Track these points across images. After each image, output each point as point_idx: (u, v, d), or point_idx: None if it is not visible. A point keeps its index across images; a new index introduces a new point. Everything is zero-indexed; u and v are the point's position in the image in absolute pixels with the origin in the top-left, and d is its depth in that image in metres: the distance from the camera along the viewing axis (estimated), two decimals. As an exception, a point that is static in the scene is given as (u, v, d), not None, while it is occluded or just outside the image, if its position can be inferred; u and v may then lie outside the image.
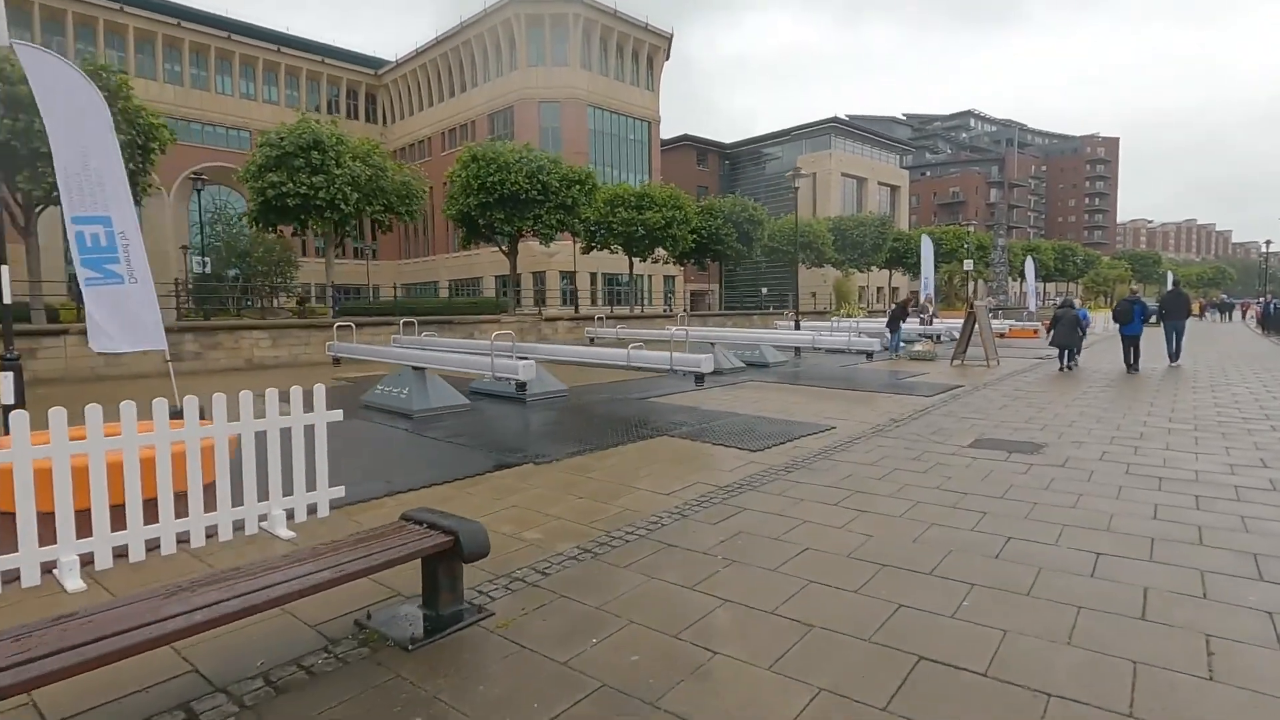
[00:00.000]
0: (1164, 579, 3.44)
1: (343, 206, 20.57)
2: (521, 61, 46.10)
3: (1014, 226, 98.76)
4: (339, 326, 11.24)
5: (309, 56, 53.39)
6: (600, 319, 15.84)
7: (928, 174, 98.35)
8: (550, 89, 45.69)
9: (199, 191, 24.89)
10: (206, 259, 25.64)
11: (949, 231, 54.94)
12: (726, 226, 35.79)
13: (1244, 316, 46.23)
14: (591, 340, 15.93)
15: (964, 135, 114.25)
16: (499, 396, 9.78)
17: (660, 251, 34.23)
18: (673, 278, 54.31)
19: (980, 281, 55.10)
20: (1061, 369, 13.80)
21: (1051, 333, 14.11)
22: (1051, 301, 59.23)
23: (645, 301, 52.30)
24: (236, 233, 35.98)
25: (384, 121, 58.83)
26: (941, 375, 13.11)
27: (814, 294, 59.93)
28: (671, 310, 49.51)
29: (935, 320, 20.43)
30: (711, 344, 13.80)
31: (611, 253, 32.83)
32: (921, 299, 23.79)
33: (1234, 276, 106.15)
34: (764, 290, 61.30)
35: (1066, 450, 6.45)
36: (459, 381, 10.23)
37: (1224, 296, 68.20)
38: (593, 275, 47.40)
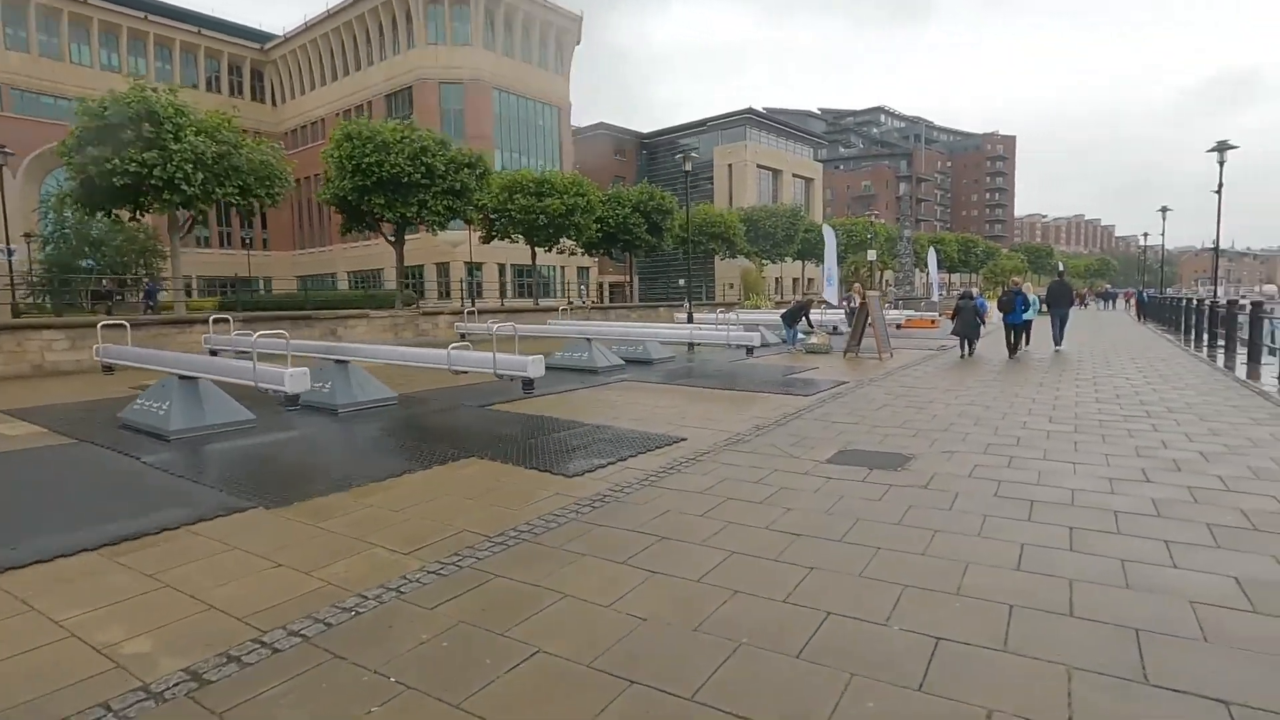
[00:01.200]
0: (1017, 687, 2.39)
1: (185, 188, 18.07)
2: (420, 39, 43.41)
3: (922, 220, 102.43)
4: (105, 326, 9.15)
5: (182, 26, 48.70)
6: (472, 312, 14.32)
7: (841, 167, 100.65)
8: (452, 69, 43.23)
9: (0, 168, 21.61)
10: (12, 247, 22.33)
11: (858, 223, 55.91)
12: (635, 216, 34.63)
13: (1126, 304, 49.02)
14: (462, 336, 14.38)
15: (875, 130, 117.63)
16: (308, 408, 8.17)
17: (566, 242, 32.75)
18: (586, 269, 52.89)
19: (890, 272, 56.37)
20: (963, 356, 14.09)
21: (954, 322, 14.42)
22: (956, 291, 61.38)
23: (558, 294, 50.74)
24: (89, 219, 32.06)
25: (274, 101, 54.56)
26: (831, 370, 12.34)
27: (730, 285, 59.91)
28: (585, 302, 48.20)
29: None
30: (588, 339, 12.58)
31: (511, 242, 31.09)
32: (841, 291, 23.27)
33: (1117, 268, 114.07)
34: (680, 282, 60.76)
35: (935, 463, 5.52)
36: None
37: (1108, 287, 72.83)
38: (500, 267, 45.43)
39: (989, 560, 3.53)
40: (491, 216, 30.09)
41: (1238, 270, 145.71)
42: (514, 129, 46.79)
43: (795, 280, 64.91)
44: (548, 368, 12.98)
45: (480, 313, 16.16)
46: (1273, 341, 13.66)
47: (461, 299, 35.85)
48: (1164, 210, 35.95)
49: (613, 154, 72.23)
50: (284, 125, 53.15)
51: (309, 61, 51.14)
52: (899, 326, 21.33)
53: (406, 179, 22.55)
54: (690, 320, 16.28)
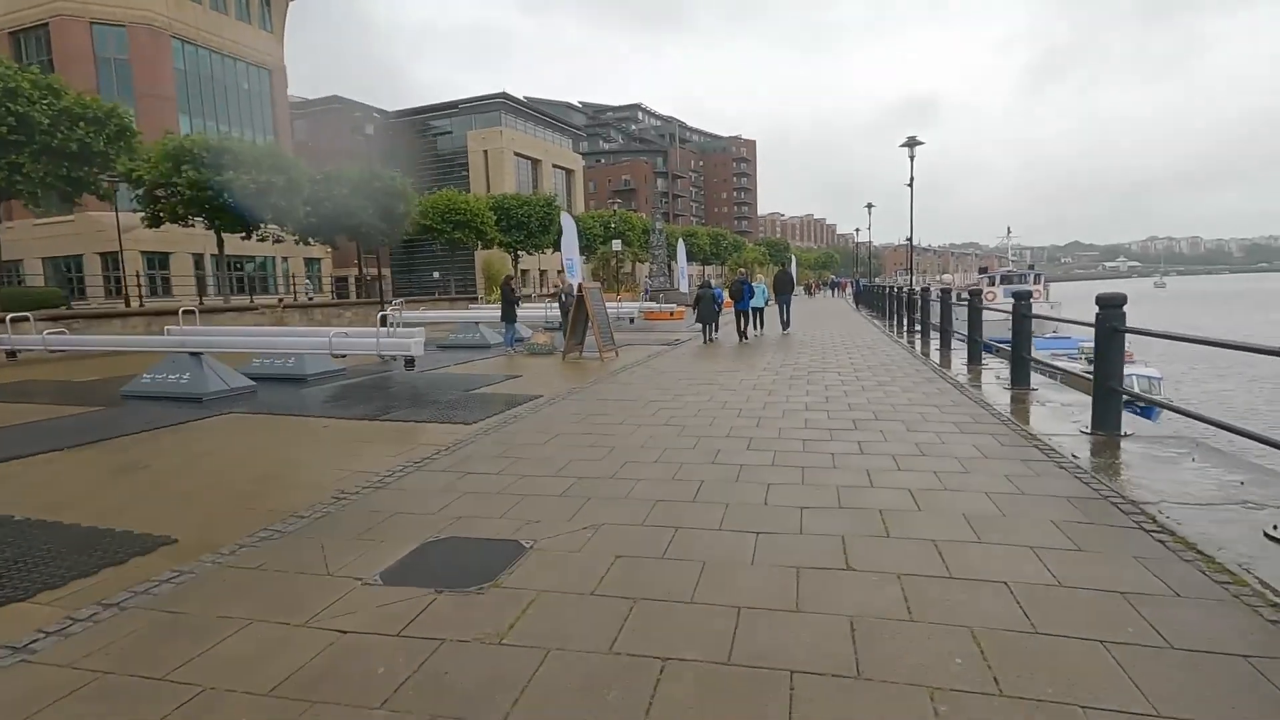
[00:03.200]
0: None
1: None
2: (58, -37, 33.53)
3: (679, 214, 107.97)
4: None
5: None
6: (19, 320, 9.82)
7: (602, 161, 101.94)
8: (108, 7, 34.10)
9: None
10: None
11: (614, 214, 56.00)
12: (357, 199, 29.97)
13: (843, 292, 55.20)
14: (12, 354, 9.82)
15: (634, 127, 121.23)
16: None
17: (270, 227, 27.18)
18: (317, 260, 46.07)
19: (645, 264, 57.32)
20: (706, 341, 14.80)
21: (696, 310, 15.44)
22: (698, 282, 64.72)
23: (281, 289, 43.50)
24: None
25: None
26: (535, 379, 10.21)
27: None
28: (312, 298, 41.81)
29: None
30: (195, 354, 8.99)
31: (187, 225, 24.84)
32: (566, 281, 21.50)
33: (839, 260, 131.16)
34: (435, 274, 56.08)
35: (553, 564, 3.39)
36: None
37: (833, 277, 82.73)
38: (197, 257, 37.23)
39: None
40: (157, 193, 23.70)
41: (923, 263, 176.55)
42: (207, 91, 38.63)
43: (559, 272, 63.25)
44: (128, 396, 9.19)
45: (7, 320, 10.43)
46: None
47: (126, 297, 28.31)
48: (869, 206, 40.31)
49: (351, 132, 64.45)
50: None
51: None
52: (631, 320, 20.28)
53: (-16, 133, 16.15)
54: (384, 323, 13.10)
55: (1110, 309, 5.40)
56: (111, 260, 35.29)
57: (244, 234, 26.43)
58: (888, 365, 10.58)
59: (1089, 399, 5.89)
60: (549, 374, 10.65)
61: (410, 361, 8.88)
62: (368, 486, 4.76)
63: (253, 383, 9.21)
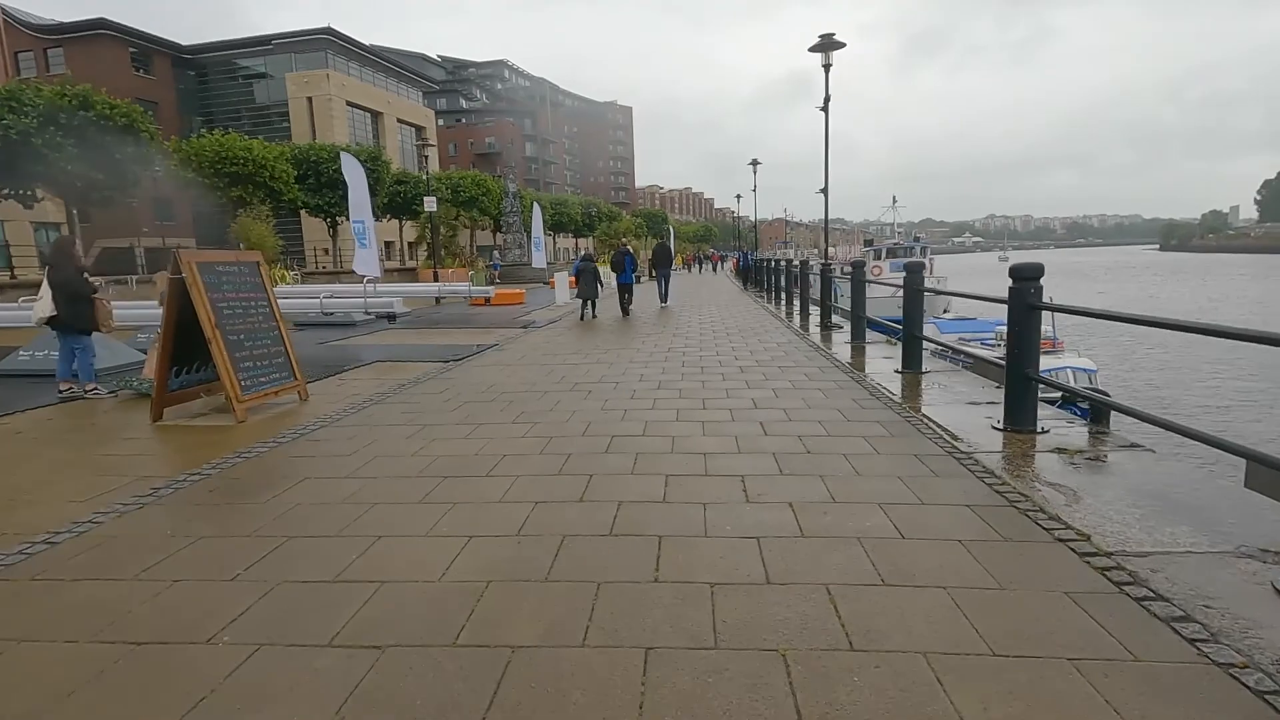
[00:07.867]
0: None
1: None
2: None
3: (550, 183, 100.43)
4: None
5: None
6: None
7: (464, 120, 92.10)
8: None
9: None
10: None
11: (467, 177, 48.18)
12: (51, 133, 20.82)
13: (718, 268, 50.70)
14: None
15: (500, 86, 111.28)
16: None
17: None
18: (57, 225, 35.12)
19: (502, 235, 49.95)
20: (586, 318, 14.02)
21: (578, 286, 14.53)
22: (578, 255, 58.28)
23: (-1, 265, 32.50)
24: None
25: None
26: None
27: (325, 250, 47.20)
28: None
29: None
30: None
31: None
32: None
33: (717, 233, 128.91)
34: (241, 245, 45.77)
35: None
36: None
37: (712, 250, 78.88)
38: None
39: None
40: None
41: (796, 236, 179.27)
42: None
43: (390, 243, 53.59)
44: None
45: None
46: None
47: None
48: (755, 163, 35.25)
49: (132, 68, 51.81)
50: None
51: None
52: (391, 319, 13.66)
53: None
54: None
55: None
56: None
57: None
58: (803, 386, 4.87)
59: None
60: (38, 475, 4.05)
61: None
62: None
63: None
